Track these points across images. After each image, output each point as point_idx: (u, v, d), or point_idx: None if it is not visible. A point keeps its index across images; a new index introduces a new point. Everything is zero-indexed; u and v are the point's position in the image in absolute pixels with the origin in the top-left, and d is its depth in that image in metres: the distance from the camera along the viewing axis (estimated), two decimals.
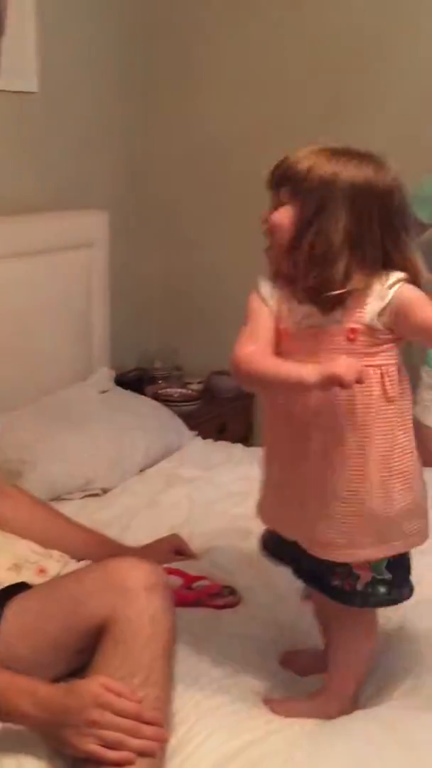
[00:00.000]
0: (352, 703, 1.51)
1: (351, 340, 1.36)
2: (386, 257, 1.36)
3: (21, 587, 1.70)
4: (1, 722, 1.41)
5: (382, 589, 1.44)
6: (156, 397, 3.07)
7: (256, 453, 2.28)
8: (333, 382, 1.31)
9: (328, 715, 1.46)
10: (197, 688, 1.53)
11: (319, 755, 1.37)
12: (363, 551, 1.43)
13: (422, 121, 2.87)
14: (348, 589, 1.45)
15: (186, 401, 3.17)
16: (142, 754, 1.33)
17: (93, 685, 1.38)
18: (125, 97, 3.30)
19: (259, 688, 1.59)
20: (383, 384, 1.38)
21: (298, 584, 1.67)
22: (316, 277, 1.34)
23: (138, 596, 1.50)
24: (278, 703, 1.53)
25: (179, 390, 3.25)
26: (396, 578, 1.46)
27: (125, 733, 1.33)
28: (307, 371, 1.30)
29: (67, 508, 2.18)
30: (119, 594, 1.50)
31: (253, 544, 1.94)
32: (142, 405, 2.88)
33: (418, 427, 1.76)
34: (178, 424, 2.86)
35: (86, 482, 2.39)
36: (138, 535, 2.12)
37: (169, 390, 3.22)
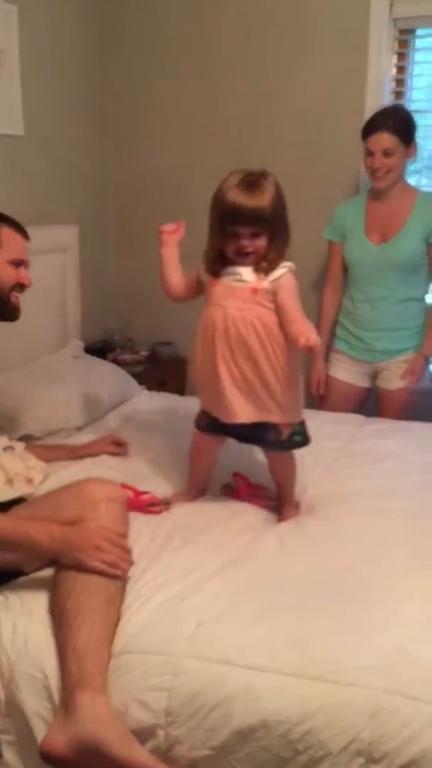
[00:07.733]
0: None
1: (254, 293, 1.90)
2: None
3: (18, 502, 1.92)
4: (23, 554, 1.65)
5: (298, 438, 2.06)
6: (115, 361, 3.38)
7: (189, 400, 2.82)
8: None
9: (295, 515, 2.08)
10: (149, 555, 1.84)
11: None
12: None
13: (309, 157, 3.36)
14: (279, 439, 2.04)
15: (136, 364, 3.49)
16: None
17: (93, 524, 1.64)
18: (92, 141, 3.63)
19: (189, 556, 1.86)
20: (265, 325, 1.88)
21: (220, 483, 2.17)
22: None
23: (99, 505, 1.70)
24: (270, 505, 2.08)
25: (131, 356, 3.56)
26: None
27: (118, 557, 1.61)
28: None
29: (53, 441, 2.50)
30: (87, 503, 1.70)
31: (178, 455, 2.41)
32: (105, 367, 3.16)
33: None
34: (131, 380, 3.17)
35: (64, 423, 2.64)
36: (106, 459, 2.42)
37: (124, 356, 3.53)
